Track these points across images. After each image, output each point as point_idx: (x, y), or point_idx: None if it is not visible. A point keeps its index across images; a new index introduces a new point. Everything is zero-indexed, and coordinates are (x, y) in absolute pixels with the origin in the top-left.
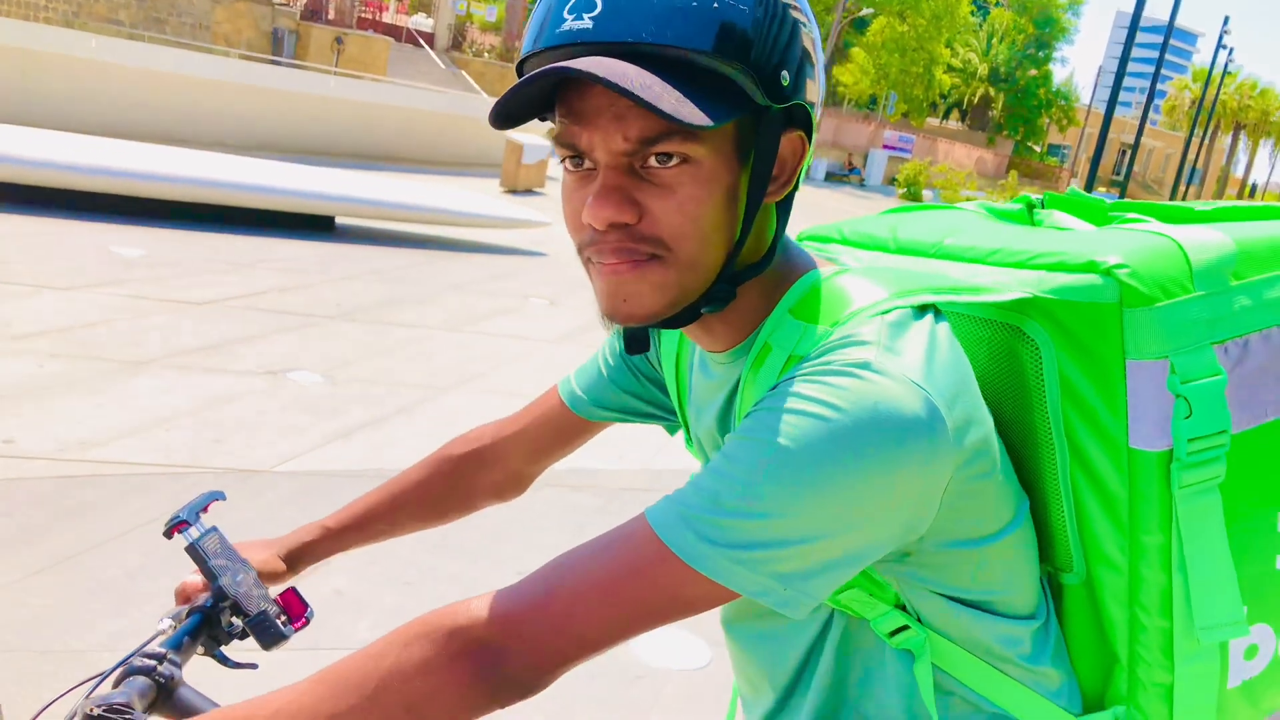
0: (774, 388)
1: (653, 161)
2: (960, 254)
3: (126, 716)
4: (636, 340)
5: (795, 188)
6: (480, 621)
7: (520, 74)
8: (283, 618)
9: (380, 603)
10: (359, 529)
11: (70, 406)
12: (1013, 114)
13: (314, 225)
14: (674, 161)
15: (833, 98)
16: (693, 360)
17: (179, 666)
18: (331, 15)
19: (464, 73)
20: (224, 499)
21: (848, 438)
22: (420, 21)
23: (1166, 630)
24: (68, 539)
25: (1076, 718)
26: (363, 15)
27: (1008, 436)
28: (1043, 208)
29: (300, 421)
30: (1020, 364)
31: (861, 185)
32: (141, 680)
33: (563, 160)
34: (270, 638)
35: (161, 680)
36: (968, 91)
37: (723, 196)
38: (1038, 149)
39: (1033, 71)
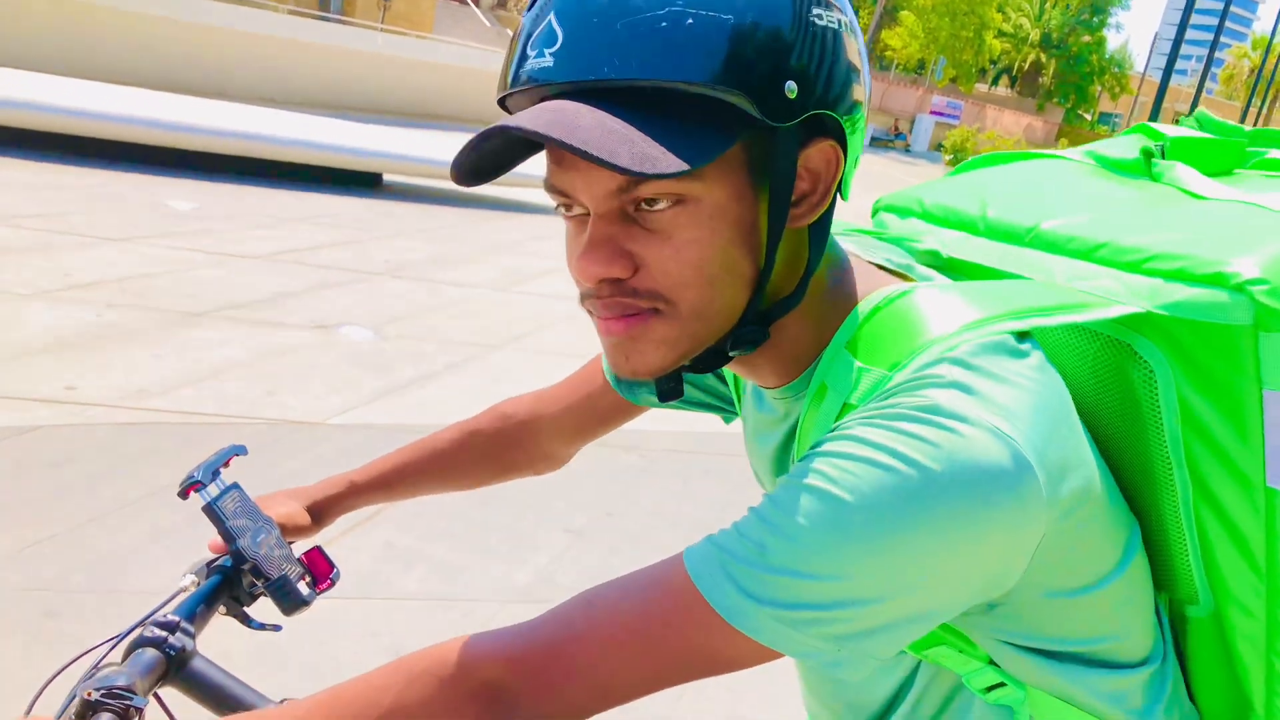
0: (831, 430)
1: (645, 205)
2: (1061, 244)
3: (126, 703)
4: (668, 389)
5: (833, 205)
6: (493, 660)
7: (504, 110)
8: (306, 579)
9: (428, 554)
10: (386, 486)
11: (128, 356)
12: (1064, 81)
13: (361, 182)
14: (663, 205)
15: (880, 62)
16: (746, 385)
17: (193, 636)
18: None
19: (509, 30)
20: (245, 453)
21: (918, 496)
22: None
23: None
24: (129, 485)
25: None
26: None
27: (1117, 461)
28: (1163, 157)
29: (352, 375)
30: (1131, 385)
31: (907, 150)
32: (150, 654)
33: (557, 207)
34: (291, 602)
35: (172, 652)
36: (1018, 57)
37: (731, 233)
38: (1088, 117)
39: (1086, 38)
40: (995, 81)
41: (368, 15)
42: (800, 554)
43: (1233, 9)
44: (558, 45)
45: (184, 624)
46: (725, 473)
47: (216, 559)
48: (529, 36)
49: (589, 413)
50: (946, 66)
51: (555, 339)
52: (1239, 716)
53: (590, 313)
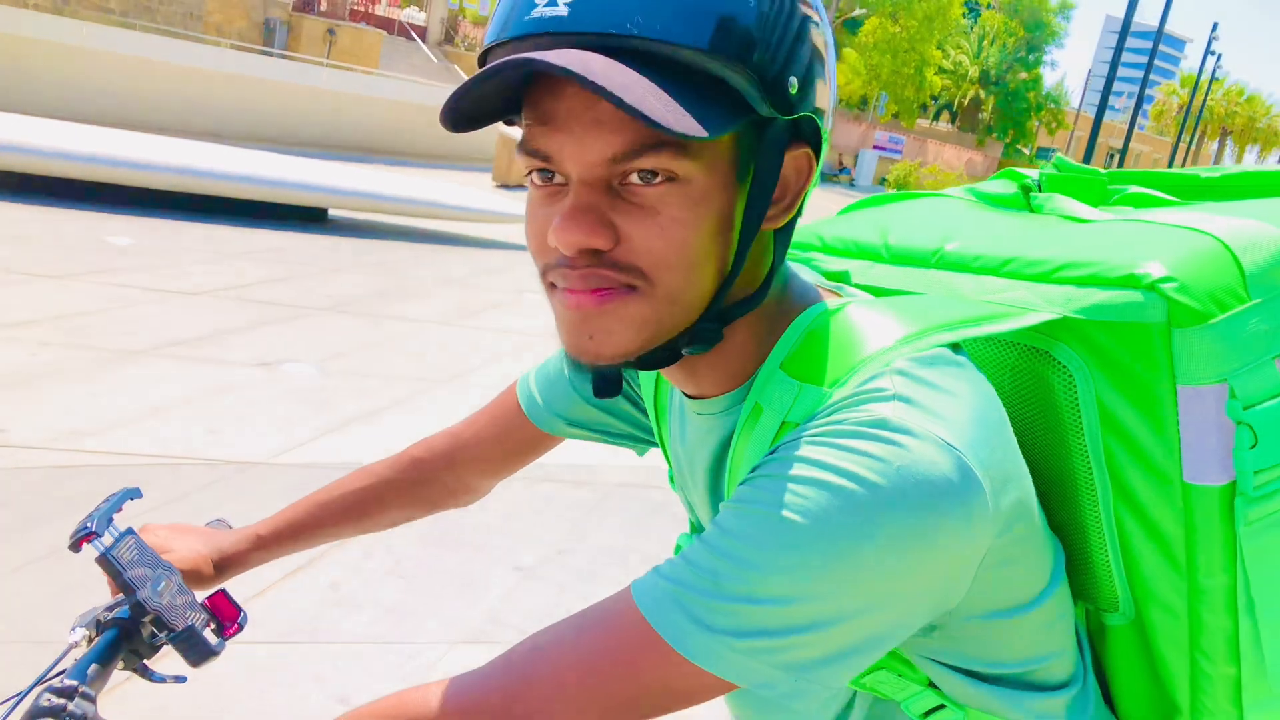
0: (773, 451)
1: (634, 178)
2: (966, 263)
3: None
4: (607, 383)
5: (798, 213)
6: (445, 713)
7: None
8: (212, 626)
9: (377, 597)
10: (294, 537)
11: (63, 395)
12: (1003, 116)
13: (306, 216)
14: (658, 179)
15: None
16: (672, 400)
17: (93, 700)
18: (324, 7)
19: (456, 66)
20: (139, 496)
21: (868, 511)
22: (413, 15)
23: (1234, 677)
24: (62, 529)
25: None
26: (355, 8)
27: (1038, 470)
28: (1039, 190)
29: (295, 413)
30: (1050, 391)
31: (852, 185)
32: None
33: (529, 173)
34: (199, 654)
35: None
36: (958, 93)
37: (714, 221)
38: (1027, 151)
39: (1023, 75)
40: (936, 117)
41: (313, 50)
42: (753, 580)
43: (1162, 48)
44: None
45: (83, 688)
46: (677, 508)
47: (111, 610)
48: None
49: (506, 448)
50: (889, 102)
51: (502, 374)
52: None
53: (554, 285)
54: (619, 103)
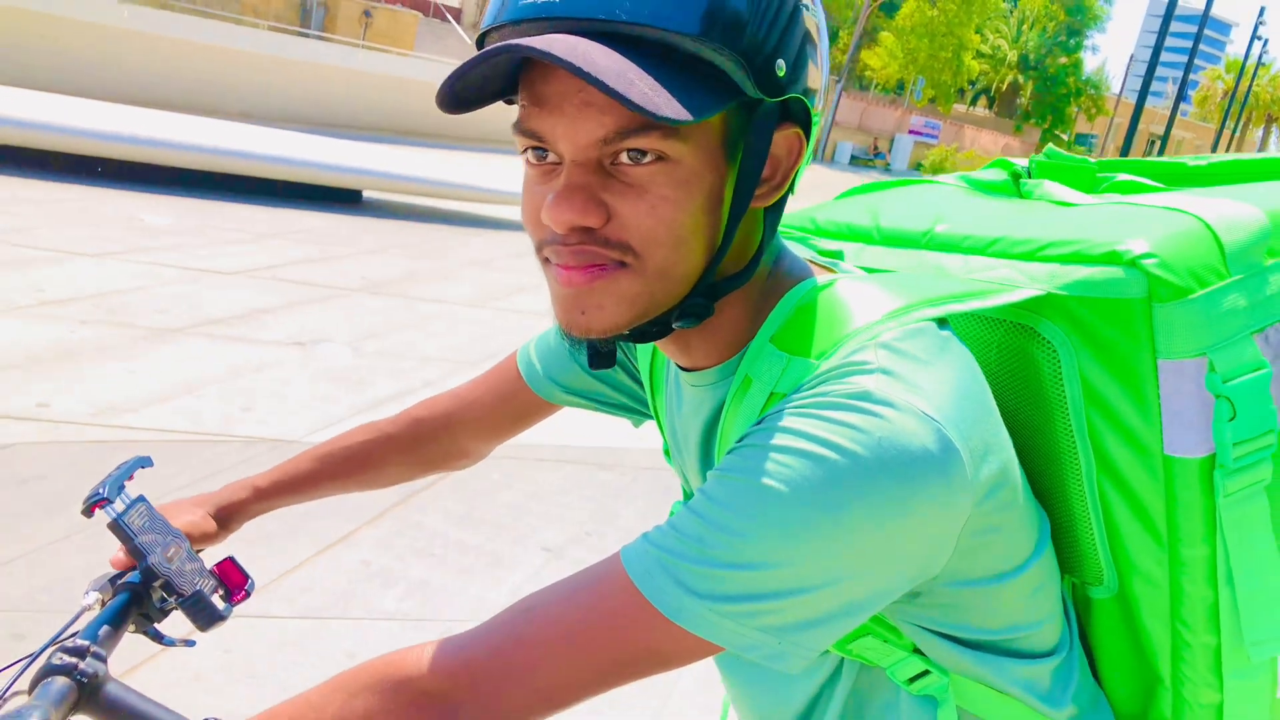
0: (759, 421)
1: (624, 158)
2: (955, 244)
3: None
4: (601, 356)
5: (789, 191)
6: (434, 672)
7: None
8: (220, 591)
9: (408, 574)
10: (294, 489)
11: (102, 372)
12: (1041, 101)
13: (341, 198)
14: (648, 159)
15: (860, 82)
16: (667, 373)
17: (104, 660)
18: None
19: None
20: (150, 465)
21: (849, 480)
22: None
23: (1214, 647)
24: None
25: None
26: None
27: (1023, 445)
28: (1029, 176)
29: (328, 392)
30: (1035, 367)
31: (887, 170)
32: (60, 682)
33: (523, 151)
34: (206, 618)
35: (83, 679)
36: (996, 78)
37: (703, 199)
38: (1065, 137)
39: (1063, 59)
40: (973, 102)
41: (349, 32)
42: (738, 546)
43: (1207, 32)
44: None
45: (94, 648)
46: None
47: (122, 575)
48: None
49: (504, 412)
50: (925, 87)
51: None
52: (1146, 693)
53: (548, 260)
54: (604, 88)
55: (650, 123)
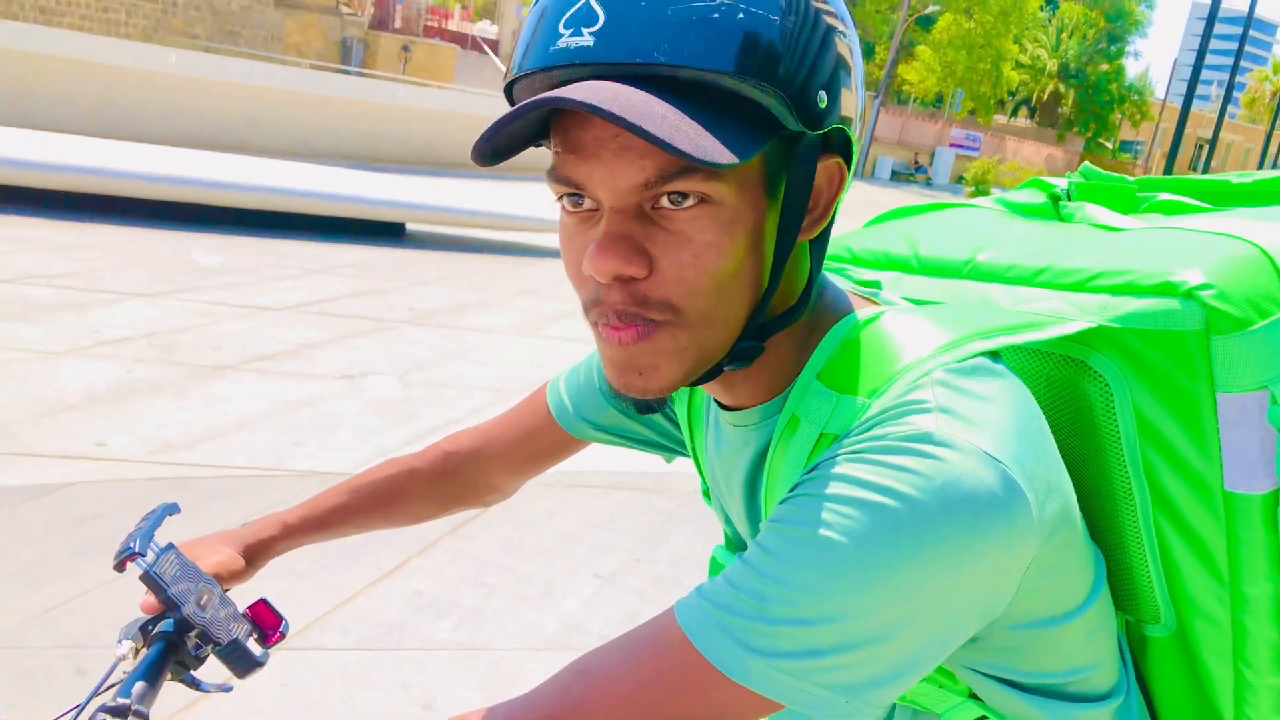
0: (813, 468)
1: (665, 202)
2: (999, 274)
3: None
4: (650, 402)
5: (831, 221)
6: None
7: (509, 97)
8: (255, 635)
9: (460, 603)
10: (322, 526)
11: (157, 410)
12: (1083, 110)
13: (385, 232)
14: (690, 202)
15: (898, 96)
16: (707, 413)
17: (146, 717)
18: (398, 24)
19: None
20: (178, 512)
21: (913, 528)
22: (485, 28)
23: (1278, 688)
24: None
25: None
26: (429, 24)
27: (1077, 481)
28: (1069, 199)
29: (377, 424)
30: (1087, 401)
31: (928, 184)
32: None
33: (559, 198)
34: (245, 666)
35: None
36: (1036, 88)
37: (746, 240)
38: (1109, 145)
39: (1104, 66)
40: (1014, 113)
41: (389, 67)
42: (798, 601)
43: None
44: (599, 25)
45: (136, 707)
46: None
47: (155, 624)
48: (560, 16)
49: (533, 450)
50: (965, 99)
51: None
52: None
53: (596, 324)
54: (647, 135)
55: (690, 166)
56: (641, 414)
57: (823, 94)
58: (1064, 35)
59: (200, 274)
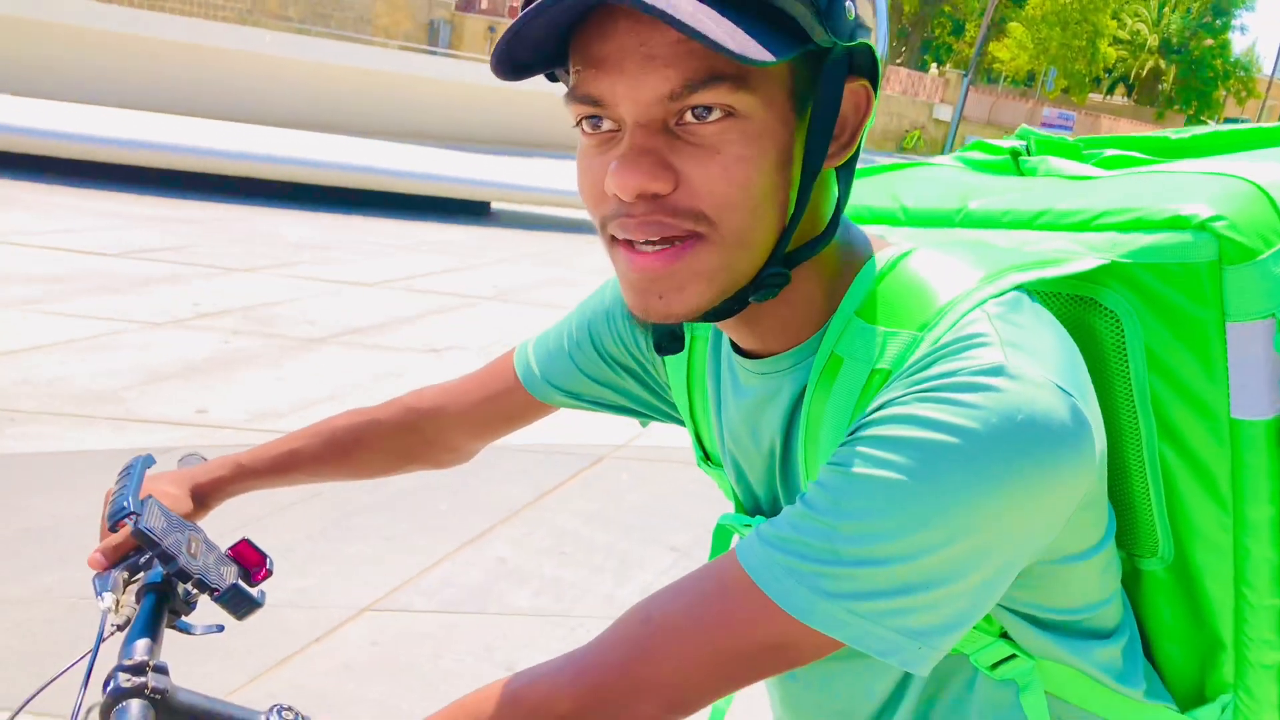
0: (877, 408)
1: (689, 116)
2: (994, 219)
3: None
4: (671, 339)
5: (858, 150)
6: (564, 694)
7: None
8: (243, 576)
9: (541, 571)
10: (277, 471)
11: (254, 380)
12: (1185, 87)
13: (469, 210)
14: (715, 115)
15: (987, 75)
16: (715, 364)
17: (166, 671)
18: (485, 5)
19: None
20: (155, 463)
21: (991, 463)
22: None
23: (1277, 609)
24: (256, 504)
25: (1183, 710)
26: (514, 4)
27: None
28: (1028, 154)
29: None
30: (1096, 338)
31: None
32: (136, 705)
33: (578, 122)
34: (245, 609)
35: (156, 696)
36: (1135, 65)
37: (775, 157)
38: (1212, 124)
39: (1209, 41)
40: (1110, 90)
41: (475, 47)
42: (876, 543)
43: None
44: None
45: (154, 663)
46: None
47: (134, 573)
48: None
49: (496, 411)
50: (1058, 77)
51: None
52: (1204, 660)
53: (614, 239)
54: (682, 27)
55: (717, 74)
56: (662, 354)
57: (850, 4)
58: (1166, 9)
59: (293, 249)
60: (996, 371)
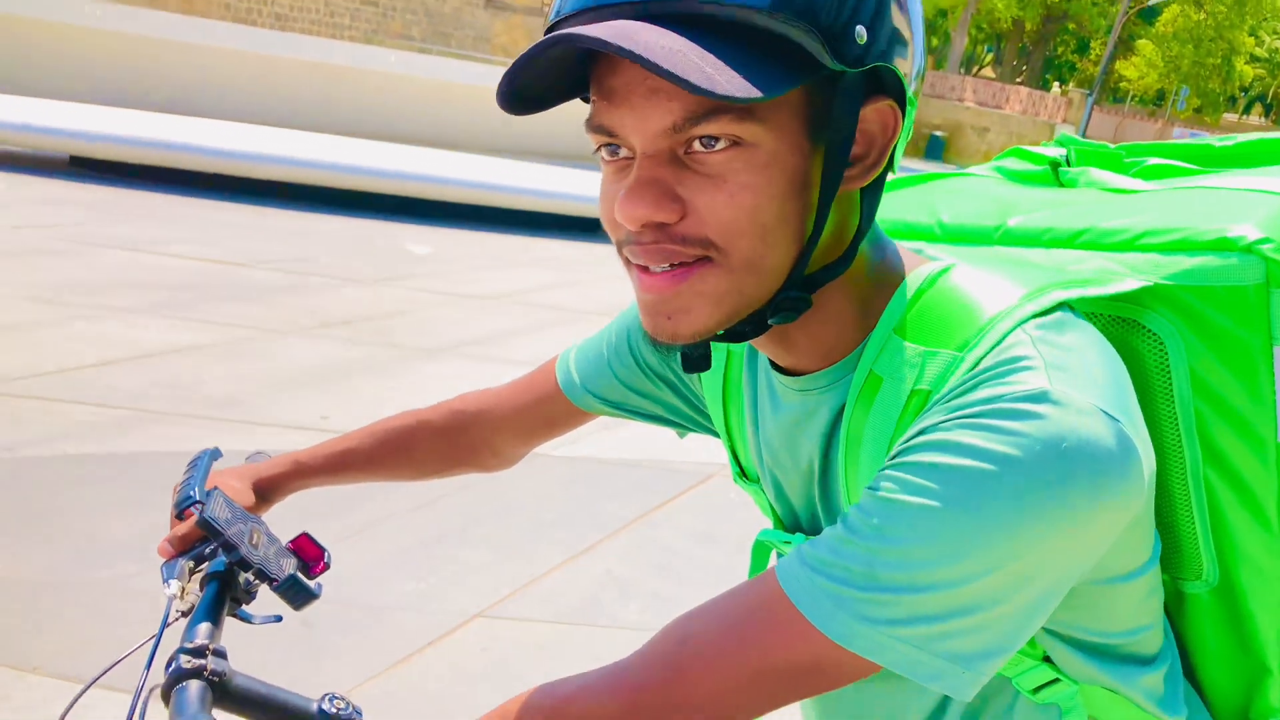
0: (919, 433)
1: (697, 146)
2: (1034, 237)
3: None
4: (695, 360)
5: (887, 169)
6: (606, 711)
7: None
8: (301, 568)
9: (648, 587)
10: (333, 469)
11: (373, 387)
12: None
13: (582, 226)
14: (721, 145)
15: (1113, 94)
16: (752, 380)
17: (225, 655)
18: None
19: None
20: (221, 456)
21: (1034, 492)
22: None
23: None
24: (372, 509)
25: None
26: None
27: None
28: (1068, 164)
29: None
30: (1139, 360)
31: None
32: (195, 686)
33: (598, 149)
34: (302, 599)
35: (215, 679)
36: (1274, 83)
37: (786, 184)
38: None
39: None
40: (1247, 110)
41: None
42: (917, 570)
43: None
44: None
45: (214, 646)
46: None
47: (199, 562)
48: None
49: (539, 417)
50: (1190, 96)
51: None
52: (1249, 686)
53: (628, 261)
54: (657, 69)
55: (721, 106)
56: (689, 371)
57: (861, 30)
58: None
59: (412, 262)
60: (1041, 398)
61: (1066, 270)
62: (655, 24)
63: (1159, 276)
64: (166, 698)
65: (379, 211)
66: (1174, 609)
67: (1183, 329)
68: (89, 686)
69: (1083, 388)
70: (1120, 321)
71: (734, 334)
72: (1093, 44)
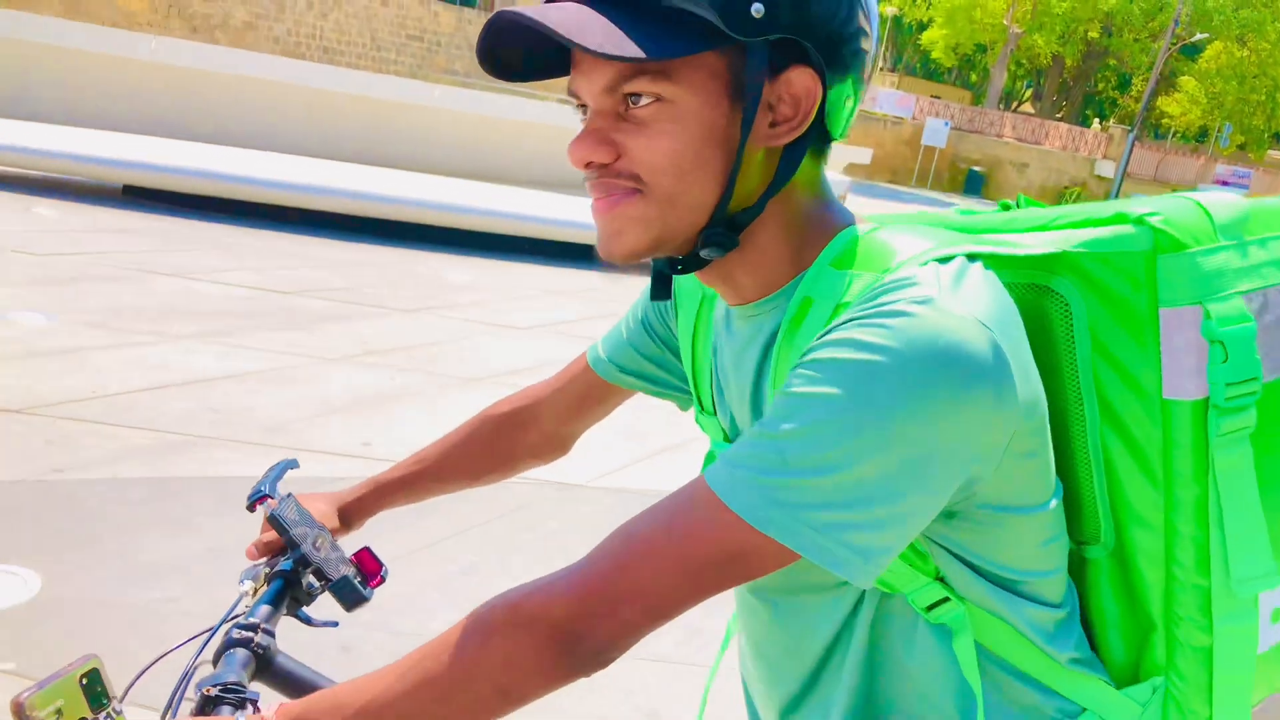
0: (823, 334)
1: (630, 103)
2: (975, 226)
3: (242, 695)
4: (660, 283)
5: (814, 131)
6: (557, 607)
7: None
8: (359, 578)
9: (681, 620)
10: (408, 486)
11: (415, 416)
12: None
13: None
14: (645, 101)
15: (1155, 130)
16: (719, 322)
17: (273, 635)
18: None
19: None
20: (297, 467)
21: (913, 378)
22: None
23: (1204, 588)
24: (411, 536)
25: (1117, 687)
26: None
27: None
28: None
29: (611, 441)
30: (1048, 322)
31: None
32: (241, 653)
33: (577, 107)
34: (353, 600)
35: (260, 651)
36: None
37: (704, 134)
38: None
39: None
40: None
41: None
42: (817, 450)
43: None
44: None
45: (263, 626)
46: None
47: (274, 565)
48: None
49: (574, 394)
50: (1233, 133)
51: None
52: (1140, 642)
53: (590, 195)
54: (556, 35)
55: (641, 68)
56: (654, 299)
57: (759, 6)
58: None
59: (454, 292)
60: (924, 302)
61: (985, 239)
62: (596, 7)
63: (1067, 245)
64: (215, 664)
65: (424, 242)
66: (1077, 575)
67: (1085, 292)
68: (158, 660)
69: (966, 303)
70: (1034, 288)
71: (677, 264)
72: (1134, 80)
